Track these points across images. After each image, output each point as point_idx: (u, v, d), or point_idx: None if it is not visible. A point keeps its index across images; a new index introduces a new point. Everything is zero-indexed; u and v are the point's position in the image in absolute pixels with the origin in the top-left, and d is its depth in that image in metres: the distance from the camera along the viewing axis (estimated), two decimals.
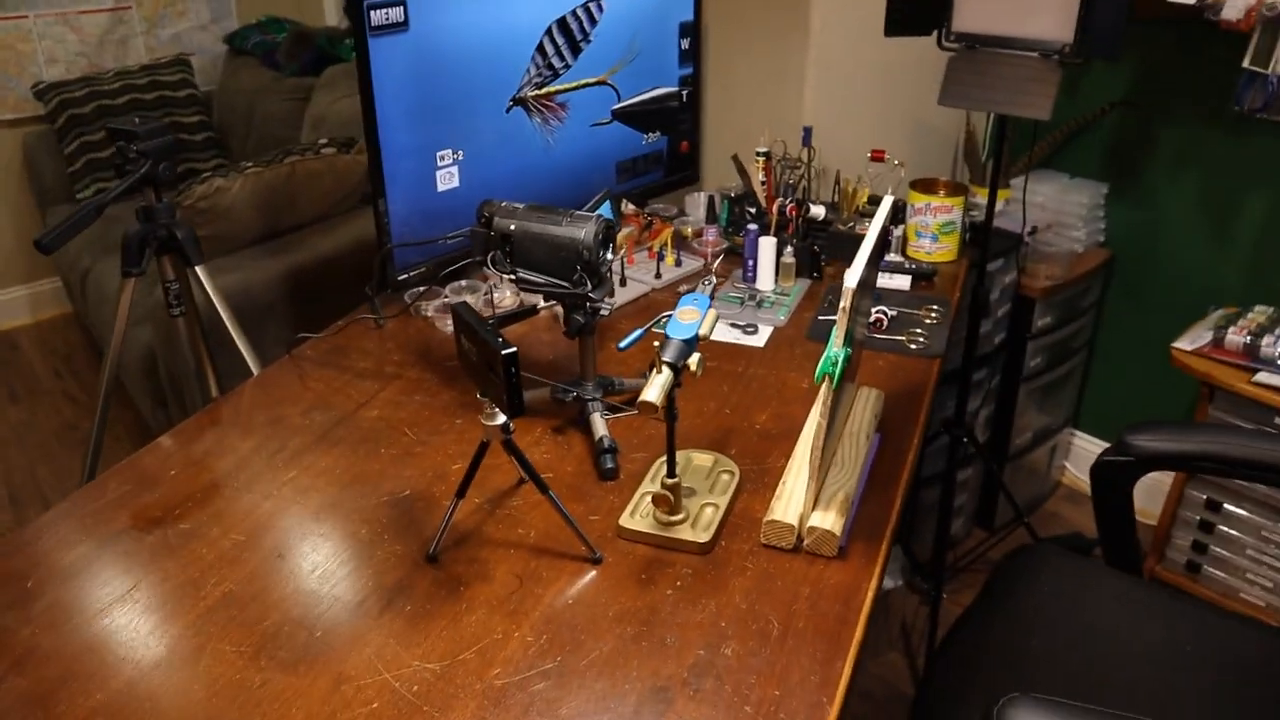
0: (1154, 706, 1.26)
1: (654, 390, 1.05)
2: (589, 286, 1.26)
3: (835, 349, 1.05)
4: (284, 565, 1.17)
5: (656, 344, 1.08)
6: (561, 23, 1.85)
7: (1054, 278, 2.29)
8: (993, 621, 1.46)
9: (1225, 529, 2.15)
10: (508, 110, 1.83)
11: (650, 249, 1.92)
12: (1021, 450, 2.51)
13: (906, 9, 1.84)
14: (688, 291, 1.68)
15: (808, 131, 2.02)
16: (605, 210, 1.50)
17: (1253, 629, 1.40)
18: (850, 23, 2.17)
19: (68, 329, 3.76)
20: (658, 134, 2.13)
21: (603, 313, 1.29)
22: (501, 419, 1.12)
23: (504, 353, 1.02)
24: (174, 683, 1.01)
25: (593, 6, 1.89)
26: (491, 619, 1.08)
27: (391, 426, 1.44)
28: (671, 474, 1.17)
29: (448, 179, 1.77)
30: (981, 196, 2.46)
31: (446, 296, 1.75)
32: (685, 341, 1.10)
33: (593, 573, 1.15)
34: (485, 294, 1.74)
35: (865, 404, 1.39)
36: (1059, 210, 2.40)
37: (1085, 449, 2.70)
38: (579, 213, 1.28)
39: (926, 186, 1.94)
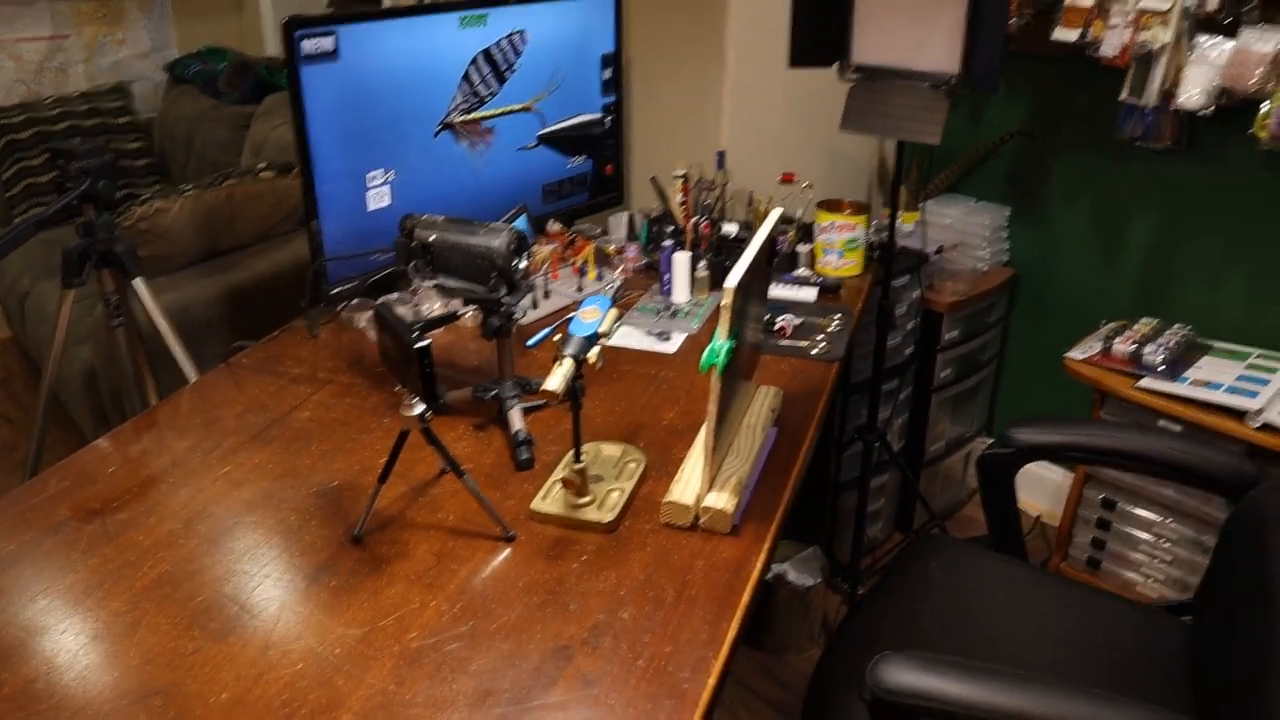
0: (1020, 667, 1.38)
1: (555, 379, 1.16)
2: (503, 292, 1.37)
3: (719, 342, 1.16)
4: (217, 549, 1.25)
5: (557, 338, 1.19)
6: (487, 53, 1.97)
7: (959, 293, 2.44)
8: (887, 604, 1.57)
9: (1121, 527, 2.30)
10: (436, 134, 1.93)
11: (574, 265, 2.04)
12: (936, 457, 2.65)
13: (809, 42, 1.98)
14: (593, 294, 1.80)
15: (721, 155, 2.16)
16: (521, 223, 1.61)
17: (1122, 606, 1.54)
18: (764, 55, 2.32)
19: (5, 353, 3.77)
20: (583, 158, 2.25)
21: (516, 316, 1.40)
22: (420, 408, 1.21)
23: (417, 346, 1.12)
24: (111, 652, 1.09)
25: (516, 38, 2.01)
26: (410, 591, 1.17)
27: (323, 425, 1.53)
28: (578, 459, 1.27)
29: (379, 198, 1.87)
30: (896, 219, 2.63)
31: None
32: (586, 338, 1.21)
33: (506, 551, 1.24)
34: (413, 304, 1.83)
35: (763, 400, 1.51)
36: (964, 231, 2.56)
37: None
38: (494, 224, 1.39)
39: (832, 206, 2.08)
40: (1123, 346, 2.18)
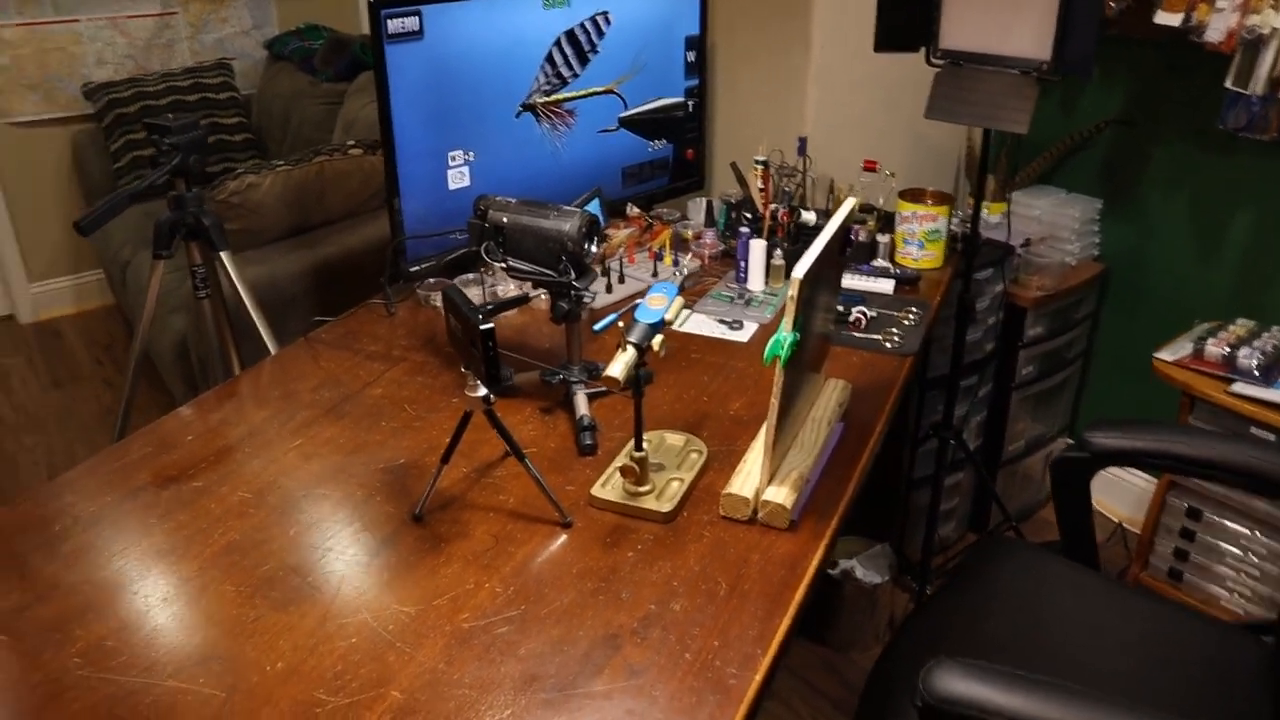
0: (1083, 682, 1.33)
1: (617, 367, 1.16)
2: (573, 275, 1.37)
3: (784, 333, 1.15)
4: (284, 520, 1.29)
5: (621, 324, 1.19)
6: (570, 34, 1.97)
7: (1045, 288, 2.36)
8: (952, 606, 1.54)
9: (1206, 538, 2.21)
10: (517, 115, 1.95)
11: (650, 249, 2.03)
12: (1015, 457, 2.58)
13: (895, 27, 1.93)
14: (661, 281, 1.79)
15: (803, 142, 2.12)
16: (594, 207, 1.60)
17: (1197, 621, 1.48)
18: (849, 39, 2.27)
19: (109, 319, 3.93)
20: (663, 142, 2.24)
21: (585, 300, 1.40)
22: (483, 391, 1.23)
23: (482, 328, 1.13)
24: (178, 616, 1.13)
25: (600, 20, 2.01)
26: (466, 572, 1.19)
27: (393, 403, 1.56)
28: (639, 448, 1.27)
29: (459, 178, 1.89)
30: (984, 210, 2.56)
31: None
32: (650, 324, 1.21)
33: (563, 536, 1.25)
34: (489, 285, 1.85)
35: (831, 394, 1.49)
36: (1053, 223, 2.47)
37: None
38: (566, 208, 1.39)
39: (914, 196, 2.03)
40: (1216, 349, 2.08)
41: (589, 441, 1.40)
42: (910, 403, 2.26)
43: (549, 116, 1.99)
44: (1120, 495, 2.65)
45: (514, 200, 1.42)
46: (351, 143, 2.63)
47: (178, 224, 1.76)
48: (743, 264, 1.93)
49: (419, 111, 1.79)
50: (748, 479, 1.28)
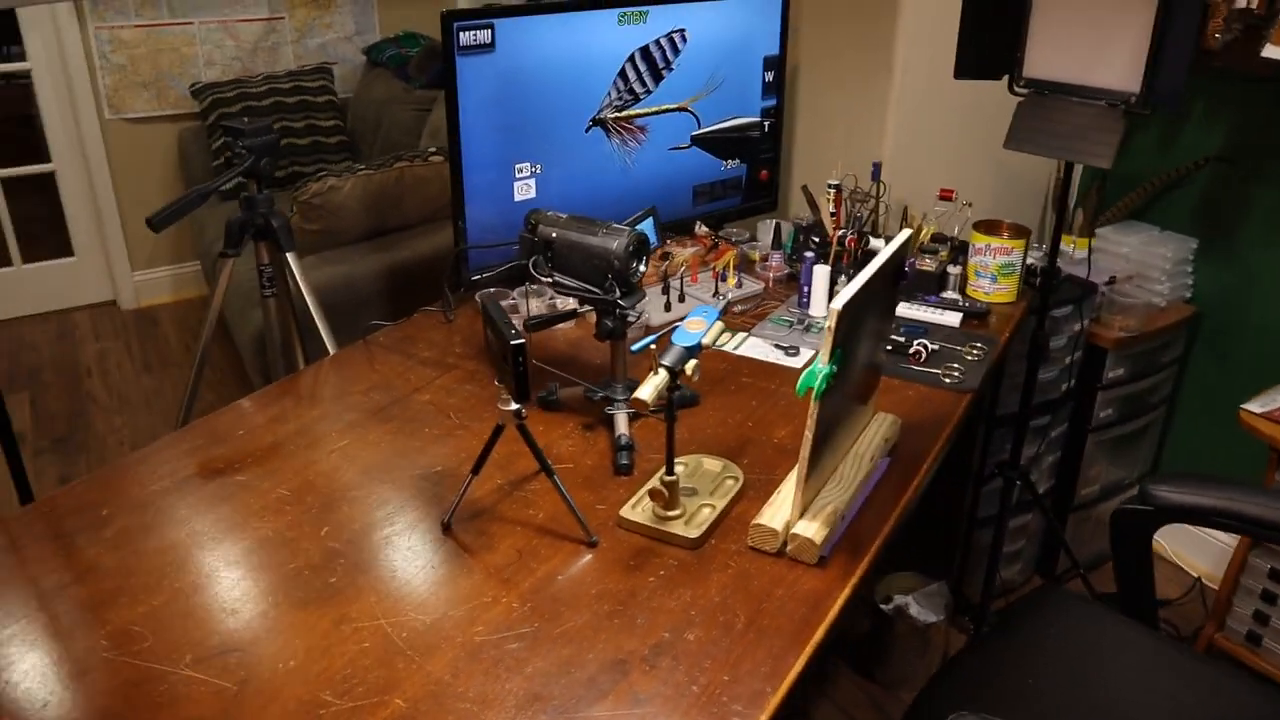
0: None
1: (647, 389, 1.14)
2: (618, 294, 1.36)
3: (820, 365, 1.12)
4: (318, 520, 1.31)
5: (653, 347, 1.17)
6: (644, 50, 1.97)
7: (1128, 329, 2.26)
8: (996, 655, 1.48)
9: None
10: (587, 130, 1.95)
11: (714, 269, 2.01)
12: (1089, 501, 2.47)
13: (977, 53, 1.88)
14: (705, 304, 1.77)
15: (877, 167, 2.08)
16: (647, 226, 1.60)
17: (1260, 691, 1.39)
18: (933, 65, 2.21)
19: (202, 309, 4.08)
20: (737, 161, 2.22)
21: (630, 319, 1.39)
22: (515, 405, 1.22)
23: (513, 343, 1.13)
24: (203, 606, 1.15)
25: (676, 37, 2.00)
26: (486, 584, 1.19)
27: (439, 410, 1.57)
28: (670, 471, 1.25)
29: (525, 190, 1.90)
30: (1067, 245, 2.47)
31: (513, 298, 1.88)
32: (686, 348, 1.19)
33: (588, 555, 1.24)
34: (548, 298, 1.86)
35: (878, 428, 1.44)
36: (1142, 261, 2.37)
37: None
38: (615, 225, 1.38)
39: (989, 228, 1.97)
40: None
41: (625, 461, 1.38)
42: (975, 439, 2.19)
43: (619, 132, 1.99)
44: (1200, 549, 2.52)
45: (565, 216, 1.42)
46: (433, 149, 2.68)
47: (247, 224, 1.82)
48: (805, 289, 1.89)
49: (487, 123, 1.80)
50: (779, 510, 1.25)
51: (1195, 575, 2.50)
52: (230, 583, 1.19)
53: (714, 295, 1.92)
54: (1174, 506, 1.44)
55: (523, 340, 1.12)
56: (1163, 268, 2.35)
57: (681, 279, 1.94)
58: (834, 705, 2.16)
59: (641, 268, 1.40)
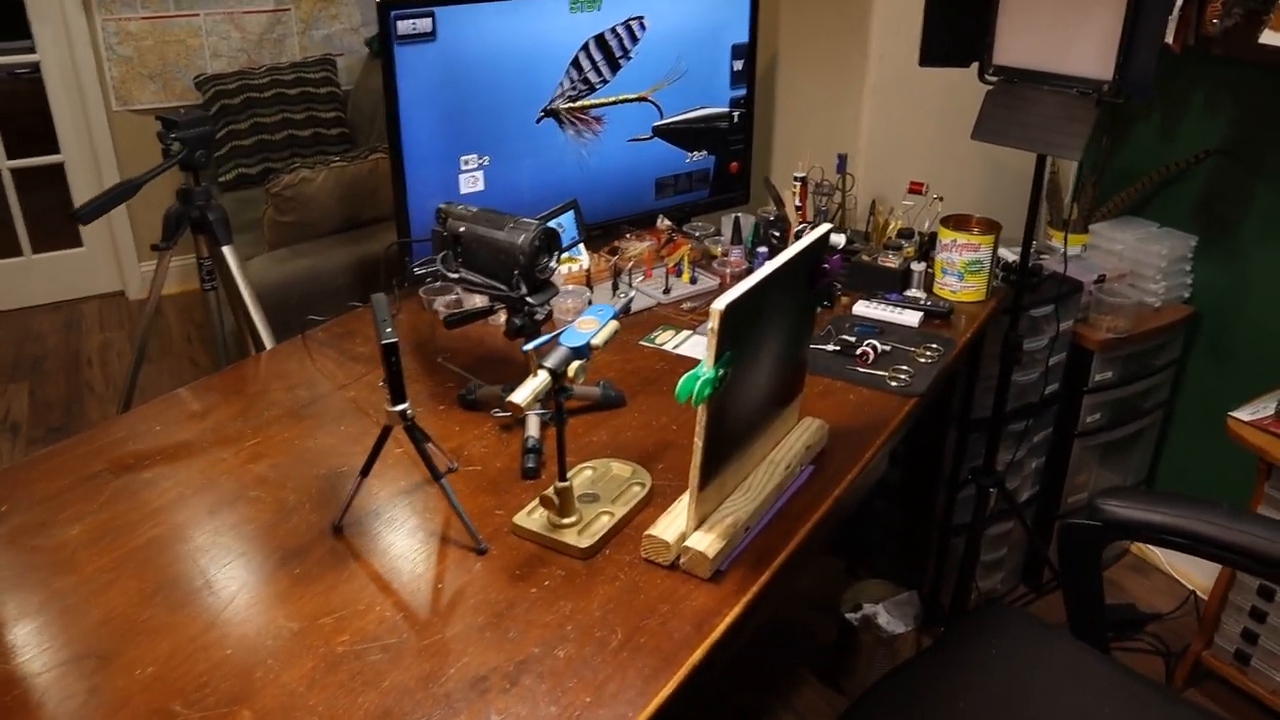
0: None
1: (522, 393, 1.09)
2: (524, 291, 1.31)
3: (702, 370, 1.05)
4: (211, 520, 1.27)
5: (527, 348, 1.12)
6: (599, 39, 1.91)
7: (1117, 330, 2.15)
8: (931, 674, 1.40)
9: (1278, 621, 1.96)
10: (538, 121, 1.90)
11: (669, 265, 1.95)
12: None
13: (945, 39, 1.79)
14: (605, 304, 1.70)
15: (842, 159, 2.00)
16: (568, 220, 1.54)
17: None
18: (912, 53, 2.12)
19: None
20: (704, 153, 2.15)
21: (538, 317, 1.34)
22: (403, 405, 1.18)
23: (384, 343, 1.08)
24: (78, 608, 1.12)
25: (634, 25, 1.94)
26: (363, 591, 1.14)
27: (359, 408, 1.53)
28: (563, 477, 1.19)
29: (473, 182, 1.86)
30: (1056, 241, 2.36)
31: (456, 293, 1.83)
32: (572, 349, 1.13)
33: (475, 563, 1.19)
34: (454, 295, 1.81)
35: (801, 434, 1.37)
36: (1136, 260, 2.26)
37: None
38: (524, 219, 1.33)
39: (957, 223, 1.88)
40: None
41: (531, 465, 1.32)
42: (945, 443, 2.10)
43: (573, 123, 1.94)
44: (1196, 561, 2.40)
45: (475, 209, 1.37)
46: None
47: (183, 217, 1.79)
48: None
49: (429, 114, 1.76)
50: (675, 521, 1.18)
51: (1190, 588, 2.39)
52: (109, 585, 1.16)
53: (664, 292, 1.86)
54: (1123, 522, 1.36)
55: (395, 340, 1.07)
56: (1158, 266, 2.24)
57: (628, 276, 1.88)
58: (796, 715, 2.09)
59: (552, 264, 1.34)
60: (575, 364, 1.12)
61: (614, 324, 1.18)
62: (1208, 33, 2.09)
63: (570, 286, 1.76)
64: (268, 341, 1.86)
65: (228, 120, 3.64)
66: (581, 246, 1.91)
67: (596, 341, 1.15)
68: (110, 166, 3.90)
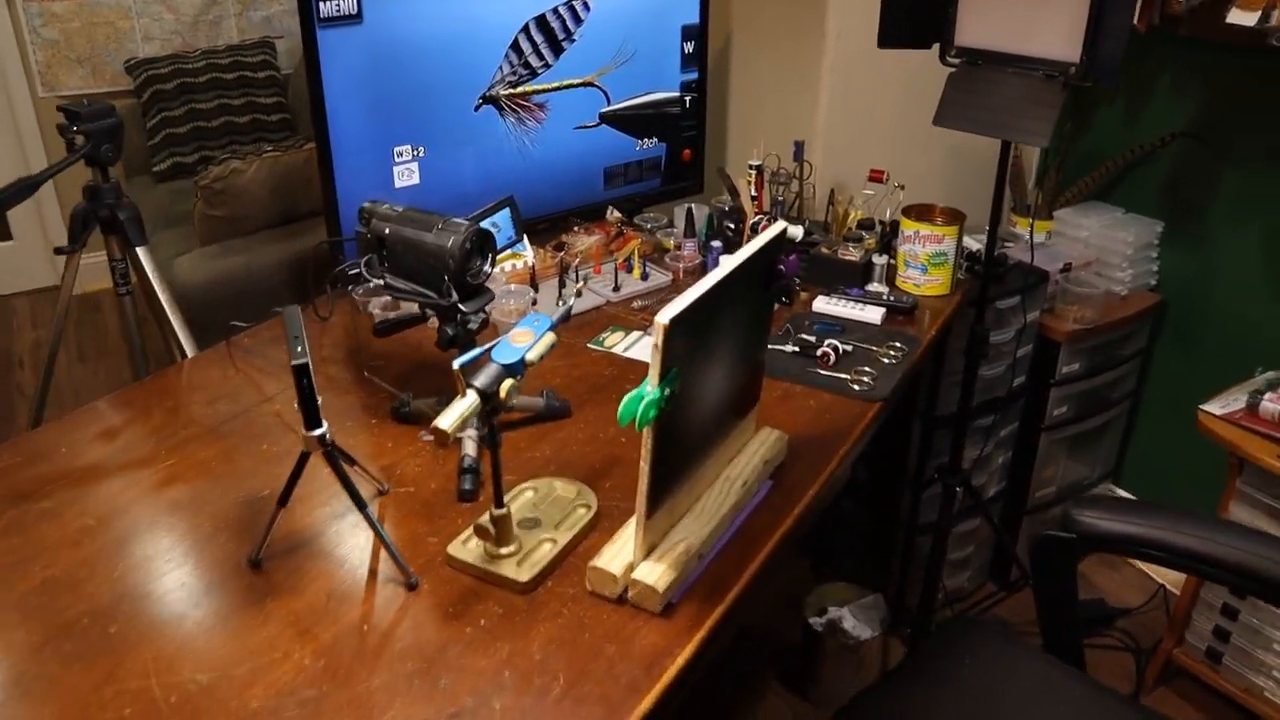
0: None
1: (449, 417, 0.98)
2: (455, 298, 1.20)
3: (646, 390, 0.96)
4: (115, 555, 1.16)
5: (456, 364, 1.01)
6: (540, 20, 1.79)
7: (1084, 321, 2.09)
8: (903, 691, 1.33)
9: (1251, 618, 1.91)
10: (477, 108, 1.78)
11: (619, 260, 1.84)
12: (1046, 503, 2.31)
13: (904, 18, 1.70)
14: (539, 313, 1.60)
15: (799, 146, 1.91)
16: (503, 218, 1.43)
17: None
18: (872, 32, 2.03)
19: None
20: (654, 140, 2.05)
21: (471, 326, 1.23)
22: (321, 429, 1.07)
23: (295, 364, 0.97)
24: None
25: (577, 5, 1.83)
26: (281, 636, 1.04)
27: (283, 424, 1.42)
28: (499, 504, 1.10)
29: (407, 175, 1.74)
30: (1022, 228, 2.29)
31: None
32: (505, 366, 1.03)
33: (406, 600, 1.09)
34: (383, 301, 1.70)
35: (759, 447, 1.28)
36: (1103, 247, 2.19)
37: None
38: (454, 220, 1.22)
39: (920, 213, 1.79)
40: (1272, 405, 1.79)
41: (468, 487, 1.23)
42: (910, 441, 2.02)
43: (514, 110, 1.82)
44: None
45: (401, 209, 1.26)
46: None
47: (90, 216, 1.66)
48: None
49: (358, 102, 1.64)
50: (622, 550, 1.09)
51: (1160, 582, 2.34)
52: None
53: (614, 289, 1.76)
54: (1099, 535, 1.28)
55: (305, 362, 0.96)
56: (1125, 253, 2.17)
57: (574, 273, 1.77)
58: None
59: (487, 267, 1.24)
60: (508, 383, 1.02)
61: (550, 336, 1.08)
62: (1173, 11, 2.02)
63: (513, 286, 1.66)
64: (189, 349, 1.74)
65: (161, 107, 3.47)
66: (526, 241, 1.81)
67: (532, 357, 1.05)
68: (39, 156, 3.71)
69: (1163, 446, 2.36)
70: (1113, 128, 2.30)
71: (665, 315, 0.94)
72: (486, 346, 1.07)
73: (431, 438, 1.14)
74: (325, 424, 1.08)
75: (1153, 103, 2.21)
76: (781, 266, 1.18)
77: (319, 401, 1.05)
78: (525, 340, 1.06)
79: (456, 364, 1.08)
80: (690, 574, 1.10)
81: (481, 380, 1.01)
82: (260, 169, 2.34)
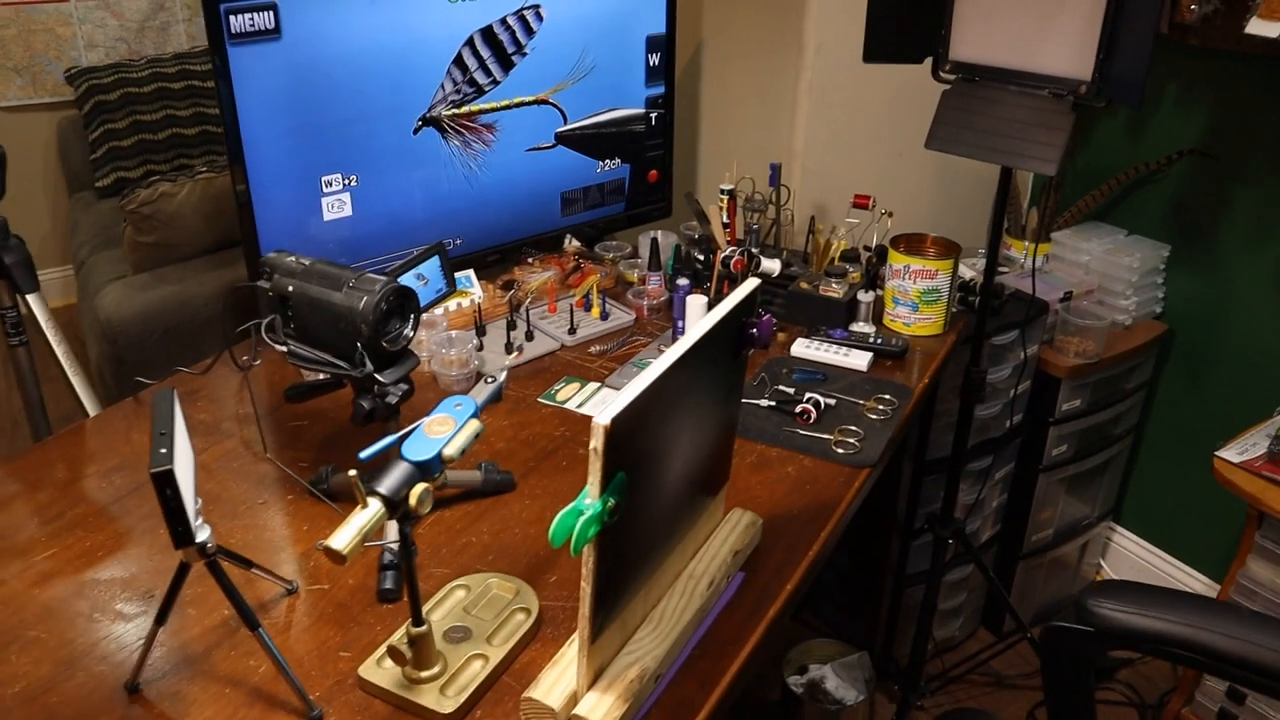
0: None
1: (344, 535, 0.80)
2: (369, 368, 1.02)
3: (585, 504, 0.78)
4: None
5: (352, 472, 0.84)
6: (486, 32, 1.61)
7: (1086, 355, 1.92)
8: None
9: None
10: (416, 131, 1.60)
11: (577, 298, 1.67)
12: (1042, 547, 2.14)
13: (892, 31, 1.53)
14: (460, 395, 1.43)
15: (776, 169, 1.73)
16: (431, 268, 1.25)
17: None
18: (856, 44, 1.86)
19: (74, 317, 3.72)
20: (617, 161, 1.87)
21: (390, 399, 1.05)
22: (203, 536, 0.89)
23: (154, 472, 0.79)
24: None
25: (528, 15, 1.65)
26: None
27: None
28: (418, 622, 0.92)
29: (338, 207, 1.56)
30: (1018, 251, 2.13)
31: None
32: (417, 465, 0.85)
33: None
34: None
35: (727, 535, 1.11)
36: (1106, 273, 2.03)
37: (1127, 547, 2.31)
38: (368, 275, 1.04)
39: (911, 244, 1.63)
40: None
41: (388, 586, 1.05)
42: (900, 488, 1.85)
43: (459, 132, 1.64)
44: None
45: (309, 261, 1.08)
46: None
47: None
48: (680, 323, 1.56)
49: (278, 128, 1.46)
50: (567, 671, 0.92)
51: None
52: None
53: (570, 332, 1.58)
54: (1119, 629, 1.11)
55: (167, 468, 0.78)
56: (1129, 280, 2.01)
57: (525, 313, 1.60)
58: None
59: (408, 330, 1.06)
60: (419, 488, 0.84)
61: (475, 424, 0.90)
62: (1184, 20, 1.85)
63: (454, 333, 1.48)
64: (90, 408, 1.55)
65: (104, 119, 3.26)
66: (472, 275, 1.63)
67: (451, 451, 0.88)
68: None
69: (1167, 484, 2.20)
70: (1115, 143, 2.13)
71: (605, 416, 0.77)
72: (398, 435, 0.89)
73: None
74: (207, 530, 0.90)
75: (1159, 117, 2.04)
76: (754, 330, 1.01)
77: (200, 499, 0.86)
78: (444, 430, 0.88)
79: (363, 455, 0.90)
80: (645, 701, 0.93)
81: (387, 486, 0.83)
82: (192, 192, 2.15)
